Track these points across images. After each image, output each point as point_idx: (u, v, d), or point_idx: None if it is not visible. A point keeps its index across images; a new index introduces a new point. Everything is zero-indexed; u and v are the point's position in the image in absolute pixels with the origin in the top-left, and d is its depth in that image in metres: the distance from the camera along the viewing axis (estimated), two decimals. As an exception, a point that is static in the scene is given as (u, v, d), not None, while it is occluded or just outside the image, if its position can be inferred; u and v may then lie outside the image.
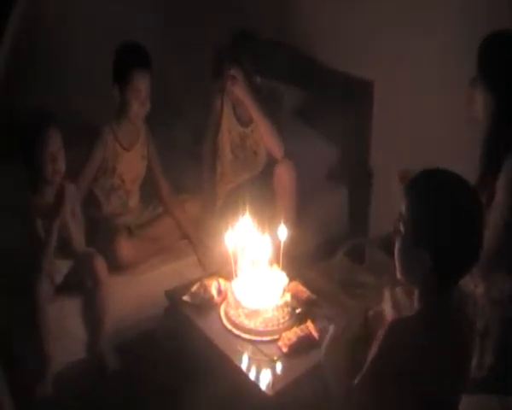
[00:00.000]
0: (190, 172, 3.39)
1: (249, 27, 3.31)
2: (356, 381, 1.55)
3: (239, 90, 3.15)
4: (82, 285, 2.78)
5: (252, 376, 2.23)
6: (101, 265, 2.76)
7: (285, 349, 2.30)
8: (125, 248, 2.95)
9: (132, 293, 2.94)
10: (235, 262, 2.50)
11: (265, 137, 3.26)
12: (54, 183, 2.67)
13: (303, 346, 2.28)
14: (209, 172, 3.30)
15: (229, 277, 2.56)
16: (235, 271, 2.51)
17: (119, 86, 2.95)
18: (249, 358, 2.30)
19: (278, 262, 2.54)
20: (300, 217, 3.29)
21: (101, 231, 3.00)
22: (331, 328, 2.00)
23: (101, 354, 2.82)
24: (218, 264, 2.77)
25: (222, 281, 2.58)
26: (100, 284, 2.76)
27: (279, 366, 2.27)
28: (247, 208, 2.58)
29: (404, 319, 1.61)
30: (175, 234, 3.19)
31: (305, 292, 2.56)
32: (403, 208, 1.56)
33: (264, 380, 2.22)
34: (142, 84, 2.95)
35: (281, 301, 2.43)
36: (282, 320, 2.40)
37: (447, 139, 3.03)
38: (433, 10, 3.05)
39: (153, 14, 3.81)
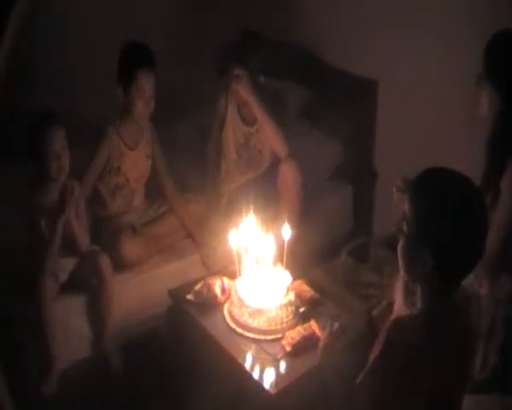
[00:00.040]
0: (194, 172, 3.39)
1: (253, 27, 3.32)
2: (358, 380, 1.55)
3: (243, 90, 3.15)
4: (86, 284, 2.78)
5: (255, 375, 2.23)
6: (105, 263, 2.77)
7: (288, 348, 2.30)
8: (130, 246, 2.95)
9: (136, 292, 2.95)
10: (239, 261, 2.50)
11: (269, 136, 3.26)
12: (58, 181, 2.67)
13: (306, 345, 2.28)
14: (213, 172, 3.30)
15: (232, 276, 2.56)
16: (239, 270, 2.51)
17: (124, 86, 2.96)
18: (253, 357, 2.30)
19: (282, 261, 2.54)
20: (305, 217, 3.30)
21: (106, 230, 3.02)
22: (326, 330, 2.01)
23: (106, 353, 2.82)
24: (222, 263, 2.77)
25: (226, 280, 2.58)
26: (104, 283, 2.76)
27: (282, 365, 2.27)
28: (251, 208, 2.59)
29: (407, 318, 1.62)
30: (179, 233, 3.20)
31: (308, 291, 2.56)
32: (406, 207, 1.56)
33: (268, 379, 2.22)
34: (146, 83, 2.95)
35: (284, 301, 2.43)
36: (285, 319, 2.40)
37: (451, 139, 3.03)
38: (436, 10, 3.05)
39: (155, 13, 3.81)
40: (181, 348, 2.55)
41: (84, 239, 2.80)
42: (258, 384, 2.21)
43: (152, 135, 3.17)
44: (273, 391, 2.17)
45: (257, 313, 2.39)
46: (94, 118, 3.05)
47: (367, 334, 2.09)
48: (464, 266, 1.56)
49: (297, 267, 2.63)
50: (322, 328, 2.21)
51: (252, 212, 2.58)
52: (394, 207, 1.81)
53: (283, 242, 2.52)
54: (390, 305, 1.95)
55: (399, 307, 1.80)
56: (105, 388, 2.71)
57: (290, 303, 2.44)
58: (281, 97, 3.50)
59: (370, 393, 1.55)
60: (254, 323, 2.38)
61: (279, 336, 2.36)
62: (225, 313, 2.48)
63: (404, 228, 1.57)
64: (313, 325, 2.36)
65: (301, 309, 2.46)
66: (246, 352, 2.32)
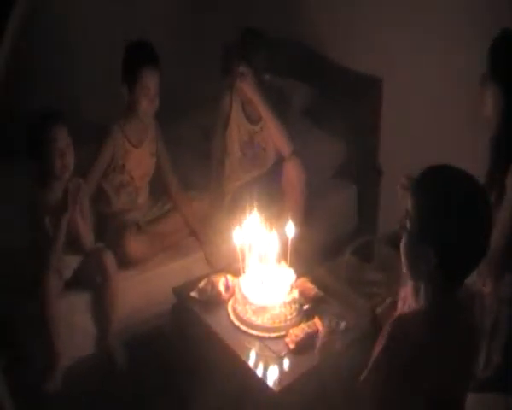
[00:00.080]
0: (198, 170, 3.40)
1: (257, 25, 3.32)
2: (361, 376, 1.55)
3: (248, 88, 3.16)
4: (91, 281, 2.79)
5: (259, 372, 2.24)
6: (110, 260, 2.78)
7: (292, 346, 2.30)
8: (134, 244, 2.96)
9: (140, 289, 2.95)
10: (243, 259, 2.51)
11: (274, 134, 3.26)
12: (62, 179, 2.68)
13: (310, 343, 2.27)
14: (217, 169, 3.31)
15: (236, 273, 2.56)
16: (243, 267, 2.51)
17: (128, 84, 2.97)
18: (256, 354, 2.30)
19: (286, 259, 2.54)
20: (309, 215, 3.30)
21: (110, 227, 3.02)
22: (324, 329, 2.01)
23: (110, 350, 2.83)
24: (226, 261, 2.78)
25: (230, 277, 2.59)
26: (109, 280, 2.77)
27: (286, 363, 2.28)
28: (255, 205, 2.59)
29: (410, 314, 1.62)
30: (183, 231, 3.20)
31: (312, 289, 2.56)
32: (409, 204, 1.56)
33: (271, 376, 2.22)
34: (150, 81, 2.96)
35: (288, 298, 2.44)
36: (289, 317, 2.40)
37: (455, 137, 3.03)
38: (441, 9, 3.04)
39: (155, 13, 3.80)
40: (185, 345, 2.55)
41: (88, 237, 2.80)
42: (261, 382, 2.21)
43: (156, 133, 3.17)
44: (277, 389, 2.17)
45: (261, 310, 2.40)
46: (94, 118, 3.05)
47: (371, 333, 2.08)
48: (467, 264, 1.56)
49: (301, 265, 2.62)
50: (322, 326, 2.21)
51: (256, 210, 2.58)
52: (399, 205, 1.80)
53: (287, 239, 2.52)
54: (394, 303, 1.95)
55: (412, 307, 1.79)
56: (109, 385, 2.72)
57: (294, 301, 2.45)
58: (285, 95, 3.50)
59: (373, 390, 1.55)
60: (258, 320, 2.39)
61: (283, 333, 2.36)
62: (229, 310, 2.48)
63: (407, 225, 1.57)
64: (317, 322, 2.36)
65: (305, 307, 2.47)
66: (249, 349, 2.32)
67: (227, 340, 2.36)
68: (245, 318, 2.41)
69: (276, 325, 2.38)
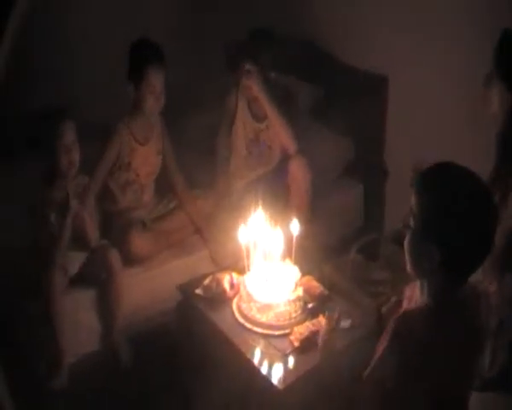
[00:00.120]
0: (202, 168, 3.39)
1: (265, 23, 3.32)
2: (365, 373, 1.55)
3: (254, 85, 3.16)
4: (96, 278, 2.80)
5: (263, 370, 2.24)
6: (115, 257, 2.79)
7: (297, 344, 2.30)
8: (139, 241, 2.97)
9: (145, 287, 2.96)
10: (248, 256, 2.51)
11: (279, 132, 3.26)
12: (68, 175, 2.69)
13: (314, 340, 2.27)
14: (222, 167, 3.31)
15: (241, 271, 2.56)
16: (248, 265, 2.51)
17: (134, 83, 2.97)
18: (261, 352, 2.30)
19: (291, 257, 2.54)
20: (315, 213, 3.30)
21: (116, 225, 3.03)
22: (325, 327, 2.01)
23: (115, 346, 2.84)
24: (230, 260, 2.78)
25: (234, 275, 2.59)
26: (114, 277, 2.78)
27: (290, 361, 2.27)
28: (260, 203, 2.59)
29: (415, 310, 1.61)
30: (188, 228, 3.21)
31: (317, 287, 2.55)
32: (413, 202, 1.56)
33: (276, 374, 2.22)
34: (156, 79, 2.97)
35: (293, 296, 2.43)
36: (293, 315, 2.40)
37: (462, 136, 3.01)
38: (447, 7, 3.04)
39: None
40: (190, 342, 2.55)
41: (94, 234, 2.81)
42: (266, 379, 2.21)
43: (162, 130, 3.18)
44: (281, 386, 2.17)
45: (265, 308, 2.40)
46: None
47: (376, 331, 2.08)
48: (471, 262, 1.55)
49: (306, 263, 2.62)
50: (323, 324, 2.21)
51: (261, 207, 2.58)
52: (405, 204, 1.80)
53: (292, 237, 2.52)
54: (399, 302, 1.94)
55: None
56: (114, 382, 2.73)
57: (298, 299, 2.44)
58: (291, 94, 3.50)
59: (376, 386, 1.54)
60: (263, 318, 2.39)
61: (287, 331, 2.36)
62: (234, 307, 2.48)
63: (411, 223, 1.56)
64: (321, 320, 2.36)
65: (309, 305, 2.46)
66: (254, 347, 2.32)
67: (232, 337, 2.36)
68: (250, 315, 2.41)
69: (281, 322, 2.38)
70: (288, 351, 2.30)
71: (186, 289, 2.64)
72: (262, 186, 3.08)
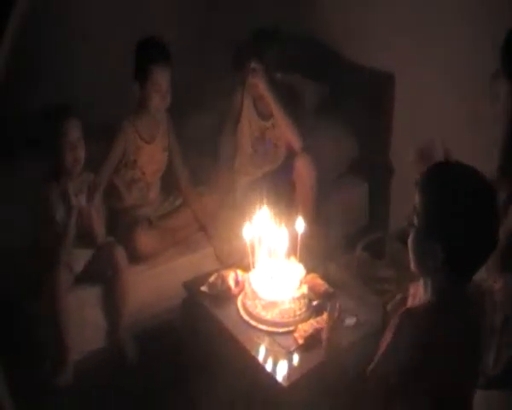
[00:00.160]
0: (206, 167, 3.39)
1: (270, 22, 3.32)
2: (368, 369, 1.55)
3: (260, 83, 3.16)
4: (102, 275, 2.81)
5: (268, 367, 2.24)
6: (120, 254, 2.80)
7: (301, 341, 2.30)
8: (145, 239, 2.97)
9: (151, 284, 2.97)
10: (253, 254, 2.51)
11: (284, 130, 3.27)
12: (73, 173, 2.70)
13: (319, 338, 2.27)
14: (227, 165, 3.31)
15: (246, 268, 2.57)
16: (253, 262, 2.52)
17: (140, 81, 2.98)
18: (266, 349, 2.31)
19: (296, 254, 2.54)
20: (320, 211, 3.30)
21: (122, 222, 3.04)
22: (328, 323, 2.01)
23: (121, 343, 2.85)
24: (235, 257, 2.78)
25: (239, 272, 2.59)
26: (119, 274, 2.79)
27: (295, 358, 2.28)
28: (266, 201, 2.59)
29: (419, 307, 1.61)
30: (194, 226, 3.22)
31: (322, 285, 2.56)
32: (416, 200, 1.56)
33: (280, 371, 2.23)
34: (162, 78, 2.97)
35: (298, 293, 2.44)
36: (298, 312, 2.41)
37: (468, 134, 3.00)
38: (453, 6, 3.03)
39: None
40: (195, 339, 2.56)
41: (100, 231, 2.82)
42: (270, 377, 2.22)
43: (168, 126, 3.19)
44: (285, 384, 2.18)
45: (270, 305, 2.40)
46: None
47: (382, 329, 2.08)
48: (475, 260, 1.55)
49: (311, 261, 2.63)
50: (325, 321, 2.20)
51: (266, 205, 2.59)
52: (413, 199, 1.80)
53: (297, 235, 2.52)
54: (404, 299, 1.94)
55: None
56: (119, 379, 2.73)
57: (303, 296, 2.45)
58: (296, 92, 3.50)
59: (379, 382, 1.54)
60: (267, 315, 2.39)
61: (292, 328, 2.37)
62: (239, 305, 2.49)
63: (415, 221, 1.56)
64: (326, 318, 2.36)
65: (314, 302, 2.47)
66: (259, 344, 2.33)
67: (236, 334, 2.37)
68: (254, 312, 2.42)
69: (286, 320, 2.39)
70: (292, 348, 2.30)
71: (191, 287, 2.65)
72: (267, 184, 3.09)
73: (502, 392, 2.09)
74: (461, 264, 1.54)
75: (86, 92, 3.30)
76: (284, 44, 3.31)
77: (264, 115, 3.33)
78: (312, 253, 2.68)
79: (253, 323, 2.40)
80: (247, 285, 2.50)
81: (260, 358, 2.28)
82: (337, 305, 2.08)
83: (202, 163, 3.38)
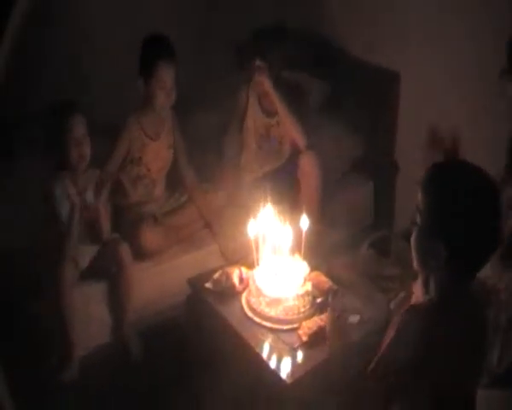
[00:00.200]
0: (213, 164, 3.39)
1: (276, 21, 3.32)
2: (370, 366, 1.55)
3: (265, 81, 3.16)
4: (106, 271, 2.81)
5: (272, 364, 2.25)
6: (125, 251, 2.80)
7: (305, 338, 2.31)
8: (150, 235, 2.98)
9: (156, 281, 2.97)
10: (257, 251, 2.51)
11: (289, 128, 3.27)
12: (78, 169, 2.71)
13: (323, 335, 2.27)
14: (232, 162, 3.32)
15: (250, 265, 2.57)
16: (257, 259, 2.52)
17: (144, 78, 2.98)
18: (270, 346, 2.31)
19: (300, 251, 2.54)
20: (325, 209, 3.30)
21: (127, 219, 3.05)
22: (329, 320, 2.00)
23: (125, 339, 2.85)
24: (239, 254, 2.78)
25: (244, 269, 2.60)
26: (124, 270, 2.79)
27: (299, 355, 2.28)
28: (270, 198, 2.59)
29: (422, 305, 1.60)
30: (198, 223, 3.22)
31: (326, 282, 2.56)
32: (419, 199, 1.55)
33: (284, 368, 2.23)
34: (166, 75, 2.97)
35: (302, 290, 2.44)
36: (302, 309, 2.41)
37: (474, 132, 2.99)
38: (460, 3, 3.02)
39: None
40: (199, 336, 2.57)
41: (106, 227, 2.83)
42: (274, 374, 2.22)
43: (173, 123, 3.19)
44: (289, 381, 2.19)
45: (274, 302, 2.41)
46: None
47: (386, 327, 2.08)
48: (478, 259, 1.54)
49: (316, 259, 2.63)
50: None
51: (270, 202, 2.59)
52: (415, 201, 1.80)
53: (301, 232, 2.52)
54: (408, 297, 1.94)
55: (419, 301, 1.78)
56: (124, 375, 2.74)
57: (307, 293, 2.45)
58: (302, 90, 3.50)
59: (380, 381, 1.54)
60: (271, 312, 2.40)
61: (296, 325, 2.37)
62: (243, 302, 2.50)
63: (418, 220, 1.56)
64: (330, 315, 2.36)
65: (318, 300, 2.47)
66: (263, 341, 2.33)
67: (241, 331, 2.38)
68: (258, 309, 2.42)
69: (290, 317, 2.39)
70: (296, 345, 2.31)
71: (196, 284, 2.65)
72: (272, 181, 3.09)
73: (504, 391, 2.08)
74: (463, 263, 1.53)
75: (86, 92, 3.31)
76: (290, 43, 3.31)
77: (269, 113, 3.33)
78: (317, 250, 2.68)
79: (258, 320, 2.41)
80: (251, 282, 2.50)
81: (264, 355, 2.28)
82: (338, 298, 2.08)
83: (207, 160, 3.38)
